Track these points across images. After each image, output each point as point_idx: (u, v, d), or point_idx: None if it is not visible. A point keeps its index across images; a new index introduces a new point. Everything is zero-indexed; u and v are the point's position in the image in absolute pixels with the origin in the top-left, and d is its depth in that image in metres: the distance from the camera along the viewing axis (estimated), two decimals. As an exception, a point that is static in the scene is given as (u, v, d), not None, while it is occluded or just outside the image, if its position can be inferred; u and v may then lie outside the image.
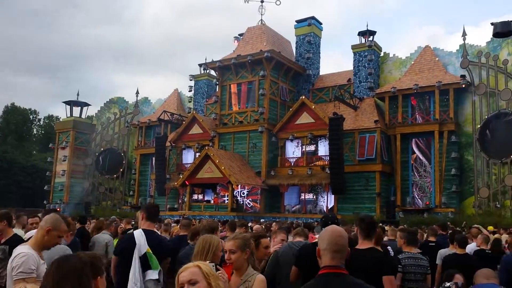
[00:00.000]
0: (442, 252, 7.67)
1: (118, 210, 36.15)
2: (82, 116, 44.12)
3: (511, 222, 20.63)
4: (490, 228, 13.81)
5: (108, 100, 45.99)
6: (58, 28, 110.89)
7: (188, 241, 6.17)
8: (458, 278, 4.42)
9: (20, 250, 3.61)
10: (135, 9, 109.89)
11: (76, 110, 43.85)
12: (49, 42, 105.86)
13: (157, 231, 7.30)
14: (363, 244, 4.38)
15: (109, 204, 39.96)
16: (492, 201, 25.83)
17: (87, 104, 44.24)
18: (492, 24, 9.85)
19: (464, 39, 28.90)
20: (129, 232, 6.48)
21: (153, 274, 4.73)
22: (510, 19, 9.50)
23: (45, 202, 41.22)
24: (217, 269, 2.93)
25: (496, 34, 9.63)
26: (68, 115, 43.56)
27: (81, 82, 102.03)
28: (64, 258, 2.23)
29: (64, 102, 43.85)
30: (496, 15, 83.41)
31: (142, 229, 5.02)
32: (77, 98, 43.74)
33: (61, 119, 49.06)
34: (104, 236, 8.64)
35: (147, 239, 4.82)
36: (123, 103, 44.50)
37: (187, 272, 2.33)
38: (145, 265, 4.70)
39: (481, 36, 73.13)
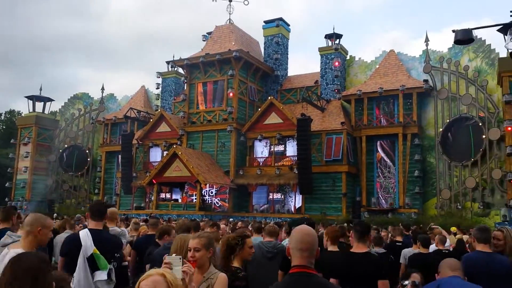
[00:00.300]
0: (406, 252, 7.94)
1: (83, 208, 35.44)
2: (45, 112, 43.01)
3: (471, 223, 21.57)
4: (453, 229, 14.41)
5: (73, 95, 44.99)
6: (19, 17, 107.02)
7: (156, 240, 6.20)
8: (416, 277, 4.55)
9: (17, 252, 3.64)
10: (102, 2, 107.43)
11: (39, 105, 42.71)
12: (9, 32, 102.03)
13: (118, 227, 7.35)
14: (358, 248, 4.65)
15: (73, 202, 39.17)
16: (453, 203, 26.92)
17: (50, 100, 43.16)
18: (453, 31, 10.29)
19: (427, 45, 29.93)
20: (74, 232, 6.49)
21: (101, 275, 4.66)
22: (471, 27, 9.97)
23: (6, 199, 39.98)
24: (183, 262, 3.02)
25: (457, 42, 10.06)
26: (31, 110, 42.34)
27: (44, 76, 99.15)
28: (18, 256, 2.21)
29: (26, 97, 42.58)
30: (458, 21, 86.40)
31: (88, 229, 4.94)
32: (40, 93, 42.59)
33: (23, 114, 47.63)
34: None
35: (93, 239, 4.72)
36: (88, 99, 43.65)
37: (149, 280, 2.14)
38: (93, 266, 4.64)
39: (443, 42, 75.65)
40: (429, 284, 3.69)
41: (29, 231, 3.83)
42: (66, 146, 41.23)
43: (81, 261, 4.65)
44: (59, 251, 5.34)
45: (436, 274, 3.70)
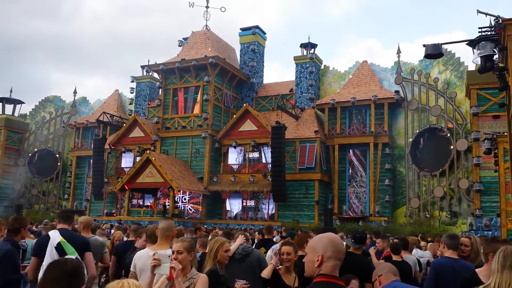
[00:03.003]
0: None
1: (52, 214, 34.74)
2: (15, 114, 42.02)
3: (439, 231, 22.12)
4: (416, 238, 14.45)
5: (44, 98, 44.18)
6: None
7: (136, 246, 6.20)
8: (354, 284, 4.59)
9: None
10: (75, 3, 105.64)
11: (9, 108, 41.74)
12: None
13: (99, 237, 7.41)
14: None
15: (42, 207, 38.33)
16: (422, 211, 27.59)
17: (20, 102, 42.21)
18: (424, 45, 10.67)
19: (398, 57, 30.71)
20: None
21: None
22: (444, 39, 10.37)
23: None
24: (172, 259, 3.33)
25: (427, 56, 10.43)
26: (0, 112, 41.32)
27: (14, 77, 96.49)
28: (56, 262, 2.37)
29: (-5, 99, 41.56)
30: (432, 33, 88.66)
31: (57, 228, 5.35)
32: (10, 94, 41.59)
33: (-9, 116, 46.38)
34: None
35: (61, 233, 5.10)
36: (59, 102, 42.93)
37: None
38: (62, 253, 4.84)
39: (415, 53, 77.42)
40: None
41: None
42: (35, 149, 40.37)
43: (49, 249, 4.94)
44: (32, 252, 5.53)
45: (375, 279, 3.55)
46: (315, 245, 2.68)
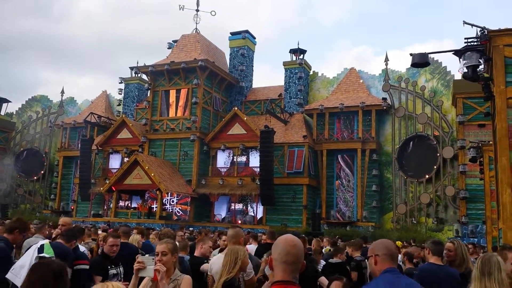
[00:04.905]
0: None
1: (38, 214, 34.45)
2: (1, 113, 41.59)
3: (425, 238, 22.35)
4: (399, 244, 14.49)
5: (31, 97, 43.88)
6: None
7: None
8: (337, 285, 4.54)
9: None
10: (66, 3, 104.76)
11: (-5, 106, 41.28)
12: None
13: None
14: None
15: (28, 207, 37.95)
16: (409, 217, 27.88)
17: (7, 101, 41.79)
18: (410, 54, 10.84)
19: (386, 64, 31.06)
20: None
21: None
22: (433, 47, 10.58)
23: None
24: (155, 262, 3.43)
25: (414, 64, 10.59)
26: (-14, 111, 40.90)
27: (0, 75, 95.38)
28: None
29: (-19, 97, 41.11)
30: (421, 41, 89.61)
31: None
32: (-3, 93, 41.21)
33: (-24, 115, 45.83)
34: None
35: (50, 242, 5.11)
36: (46, 101, 42.62)
37: None
38: (40, 252, 4.85)
39: (403, 61, 78.21)
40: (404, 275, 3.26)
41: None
42: (22, 149, 40.00)
43: (31, 249, 4.92)
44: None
45: (371, 255, 3.17)
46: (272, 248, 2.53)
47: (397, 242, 14.53)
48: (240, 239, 4.97)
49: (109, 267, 5.20)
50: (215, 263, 4.76)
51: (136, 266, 3.56)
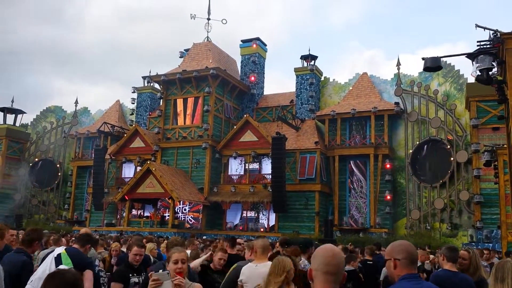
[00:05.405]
0: (385, 270, 8.26)
1: (52, 224, 34.77)
2: (16, 124, 42.18)
3: (440, 243, 22.08)
4: None
5: (45, 108, 44.48)
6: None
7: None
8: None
9: None
10: (78, 11, 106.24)
11: (10, 117, 41.90)
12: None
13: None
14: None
15: (42, 217, 38.31)
16: (422, 223, 27.55)
17: (22, 112, 42.37)
18: (423, 59, 10.77)
19: (398, 69, 30.88)
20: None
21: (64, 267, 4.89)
22: (447, 50, 10.49)
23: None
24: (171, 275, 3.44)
25: (426, 69, 10.52)
26: (1, 122, 41.46)
27: (15, 85, 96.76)
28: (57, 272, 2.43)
29: (-3, 109, 41.76)
30: (435, 44, 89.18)
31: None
32: (12, 104, 41.85)
33: (-8, 126, 46.54)
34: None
35: (66, 249, 5.16)
36: (60, 112, 43.12)
37: None
38: (58, 263, 4.87)
39: (415, 65, 77.92)
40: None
41: None
42: (36, 160, 40.47)
43: (48, 259, 4.98)
44: None
45: (390, 258, 2.98)
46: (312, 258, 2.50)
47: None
48: (269, 249, 5.28)
49: (130, 275, 5.27)
50: (244, 273, 4.99)
51: (152, 285, 3.49)
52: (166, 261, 5.63)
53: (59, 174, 39.39)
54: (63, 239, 10.82)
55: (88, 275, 5.13)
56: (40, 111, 44.31)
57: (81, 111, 42.34)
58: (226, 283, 5.26)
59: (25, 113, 42.67)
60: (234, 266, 5.50)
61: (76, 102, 41.65)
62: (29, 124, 44.18)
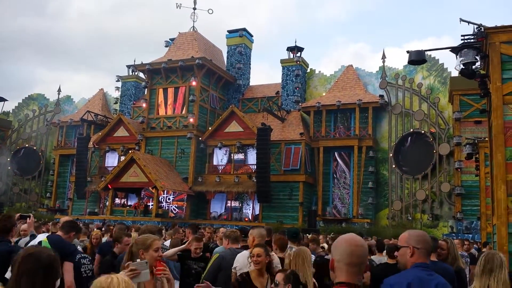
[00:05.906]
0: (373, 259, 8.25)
1: (33, 212, 34.30)
2: (-3, 112, 41.47)
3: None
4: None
5: (27, 96, 43.76)
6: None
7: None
8: (279, 276, 4.16)
9: None
10: (61, 0, 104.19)
11: (-9, 105, 41.09)
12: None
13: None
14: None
15: (23, 205, 37.86)
16: (404, 214, 27.95)
17: (3, 99, 41.37)
18: (407, 52, 10.82)
19: (383, 62, 31.09)
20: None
21: None
22: (431, 43, 10.60)
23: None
24: (150, 268, 3.43)
25: (411, 62, 10.55)
26: (-18, 109, 40.72)
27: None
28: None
29: (-23, 96, 40.91)
30: (419, 37, 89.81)
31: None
32: (-7, 92, 41.08)
33: (-28, 113, 45.67)
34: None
35: (47, 236, 5.22)
36: (43, 100, 42.49)
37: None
38: None
39: (400, 58, 78.44)
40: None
41: None
42: (18, 147, 39.89)
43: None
44: None
45: (407, 246, 3.02)
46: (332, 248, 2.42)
47: (393, 239, 14.51)
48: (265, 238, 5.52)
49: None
50: (238, 260, 5.09)
51: (129, 275, 3.22)
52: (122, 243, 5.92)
53: (41, 162, 38.93)
54: (44, 227, 10.74)
55: (67, 267, 4.97)
56: (22, 98, 43.57)
57: (64, 99, 41.79)
58: (210, 273, 5.26)
59: (6, 100, 41.69)
60: (216, 255, 5.53)
61: (59, 90, 41.11)
62: (11, 112, 43.46)
